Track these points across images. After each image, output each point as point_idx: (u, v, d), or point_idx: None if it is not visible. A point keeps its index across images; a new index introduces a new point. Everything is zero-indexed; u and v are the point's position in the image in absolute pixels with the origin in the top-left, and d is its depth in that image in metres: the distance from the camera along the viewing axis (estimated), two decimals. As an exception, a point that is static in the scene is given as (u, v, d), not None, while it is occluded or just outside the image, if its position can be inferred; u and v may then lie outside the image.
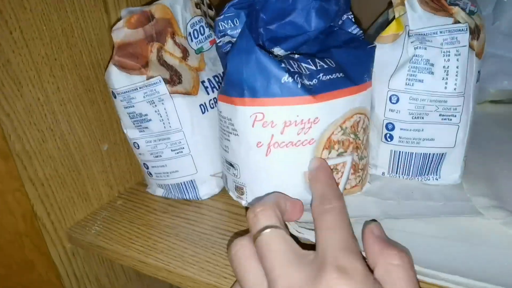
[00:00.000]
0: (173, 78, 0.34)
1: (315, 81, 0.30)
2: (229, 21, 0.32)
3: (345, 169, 0.32)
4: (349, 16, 0.34)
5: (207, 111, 0.37)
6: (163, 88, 0.33)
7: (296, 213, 0.28)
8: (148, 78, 0.33)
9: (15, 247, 0.32)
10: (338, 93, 0.30)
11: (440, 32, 0.29)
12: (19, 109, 0.32)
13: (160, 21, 0.34)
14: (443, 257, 0.27)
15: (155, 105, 0.34)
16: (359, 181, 0.34)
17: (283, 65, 0.28)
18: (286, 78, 0.28)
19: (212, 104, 0.37)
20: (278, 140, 0.29)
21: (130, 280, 0.45)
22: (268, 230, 0.22)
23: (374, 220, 0.27)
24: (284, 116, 0.29)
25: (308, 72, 0.30)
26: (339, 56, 0.31)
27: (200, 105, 0.36)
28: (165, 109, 0.34)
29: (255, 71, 0.28)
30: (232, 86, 0.30)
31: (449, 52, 0.30)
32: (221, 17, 0.31)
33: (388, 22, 0.35)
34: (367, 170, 0.35)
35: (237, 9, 0.31)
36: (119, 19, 0.36)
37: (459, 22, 0.29)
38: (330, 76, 0.30)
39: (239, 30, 0.31)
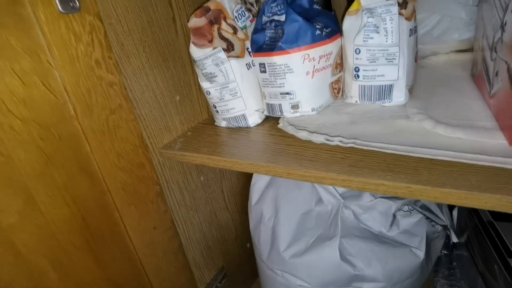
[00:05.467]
0: (228, 47, 0.54)
1: (324, 32, 0.52)
2: (278, 6, 0.53)
3: (341, 80, 0.57)
4: None
5: (251, 67, 0.57)
6: (222, 54, 0.53)
7: None
8: (213, 49, 0.54)
9: (134, 154, 0.54)
10: (335, 37, 0.54)
11: (379, 6, 0.48)
12: (129, 73, 0.54)
13: (215, 11, 0.54)
14: (381, 140, 0.46)
15: (219, 66, 0.54)
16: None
17: (314, 25, 0.51)
18: (317, 32, 0.50)
19: (254, 63, 0.56)
20: (318, 68, 0.52)
21: (196, 187, 0.68)
22: None
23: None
24: (319, 53, 0.51)
25: (320, 27, 0.51)
26: (323, 19, 0.53)
27: (246, 64, 0.56)
28: (225, 68, 0.54)
29: (302, 31, 0.50)
30: (287, 43, 0.51)
31: (385, 18, 0.48)
32: (274, 4, 0.52)
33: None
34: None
35: None
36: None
37: None
38: (328, 29, 0.53)
39: (283, 11, 0.52)
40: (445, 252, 0.87)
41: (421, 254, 0.64)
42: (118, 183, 0.52)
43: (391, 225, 0.65)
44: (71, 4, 0.44)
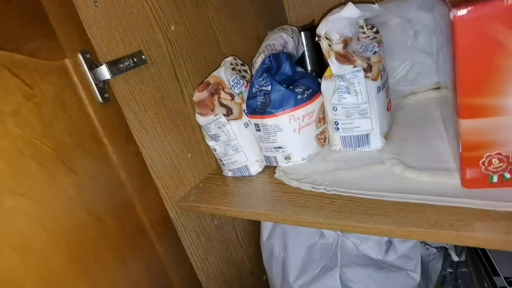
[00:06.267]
0: (228, 112, 0.64)
1: (306, 94, 0.62)
2: (264, 80, 0.64)
3: (326, 131, 0.65)
4: (293, 62, 0.66)
5: (248, 126, 0.67)
6: (223, 119, 0.64)
7: None
8: (215, 115, 0.64)
9: (158, 208, 0.65)
10: (316, 97, 0.63)
11: (347, 73, 0.57)
12: (148, 143, 0.64)
13: (214, 84, 0.65)
14: (359, 185, 0.55)
15: (221, 128, 0.65)
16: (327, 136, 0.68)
17: (296, 90, 0.61)
18: (299, 96, 0.60)
19: (250, 122, 0.67)
20: (303, 125, 0.62)
21: (211, 230, 0.77)
22: None
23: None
24: (302, 113, 0.62)
25: (301, 91, 0.62)
26: (305, 81, 0.64)
27: (243, 123, 0.67)
28: (226, 129, 0.65)
29: (285, 98, 0.61)
30: (275, 108, 0.61)
31: (354, 82, 0.57)
32: (261, 78, 0.63)
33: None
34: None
35: (267, 73, 0.63)
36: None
37: (356, 67, 0.57)
38: (309, 90, 0.63)
39: (268, 83, 0.63)
40: (450, 270, 0.93)
41: (417, 276, 0.70)
42: (158, 233, 0.64)
43: (387, 251, 0.72)
44: (105, 95, 0.56)
